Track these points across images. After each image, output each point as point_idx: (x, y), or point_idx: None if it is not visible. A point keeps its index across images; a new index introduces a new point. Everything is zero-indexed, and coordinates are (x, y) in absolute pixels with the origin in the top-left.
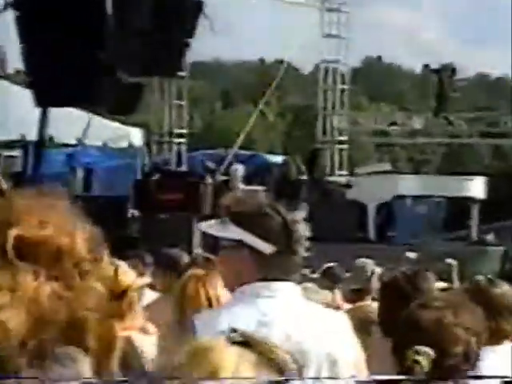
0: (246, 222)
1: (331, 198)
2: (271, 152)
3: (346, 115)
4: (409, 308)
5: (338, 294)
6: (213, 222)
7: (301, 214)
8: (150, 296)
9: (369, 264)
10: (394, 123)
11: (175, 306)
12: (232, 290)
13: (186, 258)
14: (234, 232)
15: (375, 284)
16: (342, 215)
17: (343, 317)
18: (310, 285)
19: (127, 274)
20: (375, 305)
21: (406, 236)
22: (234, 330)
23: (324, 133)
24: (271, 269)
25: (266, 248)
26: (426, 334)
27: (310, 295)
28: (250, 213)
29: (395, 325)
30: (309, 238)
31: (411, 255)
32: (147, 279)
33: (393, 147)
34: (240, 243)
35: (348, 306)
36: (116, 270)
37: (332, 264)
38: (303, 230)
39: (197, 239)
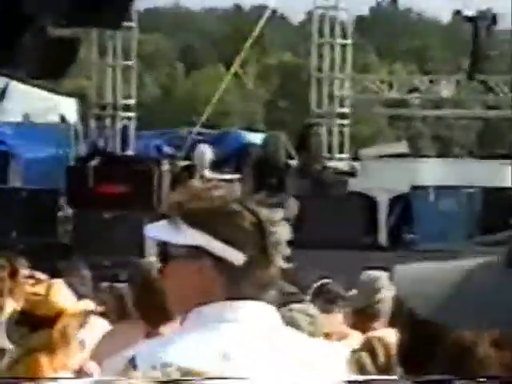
0: (204, 223)
1: (329, 189)
2: (249, 128)
3: (349, 79)
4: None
5: (337, 317)
6: (161, 222)
7: (279, 212)
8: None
9: (379, 278)
10: (413, 90)
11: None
12: (184, 311)
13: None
14: (188, 236)
15: (387, 305)
16: (344, 213)
17: (337, 350)
18: (297, 306)
19: (62, 295)
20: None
21: (428, 240)
22: (169, 365)
23: (319, 103)
24: (238, 284)
25: (236, 257)
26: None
27: (299, 319)
28: (210, 211)
29: (422, 364)
30: (295, 244)
31: None
32: (91, 304)
33: (412, 122)
34: (198, 251)
35: (359, 334)
36: (48, 288)
37: (327, 280)
38: (283, 233)
39: (151, 245)
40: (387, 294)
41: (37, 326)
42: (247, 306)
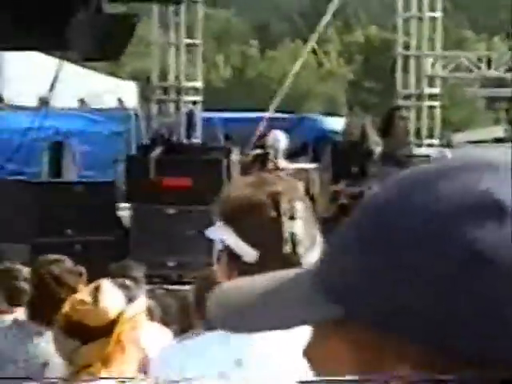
0: (228, 217)
1: None
2: (329, 113)
3: (440, 57)
4: None
5: None
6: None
7: (299, 204)
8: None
9: None
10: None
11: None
12: None
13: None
14: (217, 231)
15: None
16: None
17: None
18: None
19: (112, 300)
20: None
21: None
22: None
23: (406, 83)
24: None
25: (247, 253)
26: None
27: None
28: (235, 204)
29: None
30: None
31: None
32: (143, 301)
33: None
34: (225, 248)
35: None
36: (95, 294)
37: None
38: (297, 227)
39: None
40: None
41: (89, 337)
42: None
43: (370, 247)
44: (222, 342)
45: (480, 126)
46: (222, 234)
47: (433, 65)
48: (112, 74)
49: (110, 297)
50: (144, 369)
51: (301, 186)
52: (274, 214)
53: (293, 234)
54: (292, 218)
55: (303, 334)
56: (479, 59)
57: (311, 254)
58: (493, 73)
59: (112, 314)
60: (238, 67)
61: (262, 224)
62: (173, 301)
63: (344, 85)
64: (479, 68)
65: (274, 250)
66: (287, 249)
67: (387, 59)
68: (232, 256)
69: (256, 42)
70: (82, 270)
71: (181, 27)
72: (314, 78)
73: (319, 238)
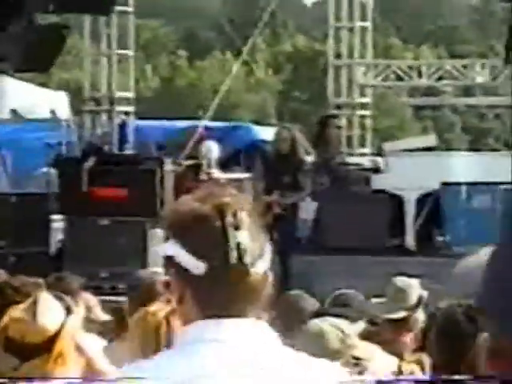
0: (176, 230)
1: (350, 187)
2: (260, 122)
3: (371, 65)
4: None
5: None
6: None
7: (244, 214)
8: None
9: (411, 286)
10: (443, 76)
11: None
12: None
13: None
14: (166, 246)
15: (419, 318)
16: (367, 213)
17: (336, 373)
18: (331, 319)
19: (50, 315)
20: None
21: (460, 242)
22: None
23: (338, 92)
24: (211, 298)
25: (196, 266)
26: None
27: (329, 333)
28: (182, 217)
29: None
30: (314, 249)
31: None
32: (81, 312)
33: (441, 111)
34: (170, 261)
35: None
36: (33, 310)
37: (345, 291)
38: (243, 237)
39: (153, 255)
40: (418, 304)
41: (28, 355)
42: (231, 324)
43: None
44: (187, 358)
45: (408, 135)
46: (169, 249)
47: (364, 74)
48: (43, 84)
49: (49, 311)
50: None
51: (248, 197)
52: (218, 224)
53: (239, 244)
54: (237, 228)
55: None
56: (410, 68)
57: (260, 264)
58: (423, 82)
59: (51, 330)
60: (167, 77)
61: (207, 236)
62: (106, 312)
63: (273, 94)
64: (410, 77)
65: (221, 261)
66: (233, 259)
67: (315, 69)
68: (180, 269)
69: (184, 52)
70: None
71: (112, 38)
72: (243, 87)
73: (268, 247)
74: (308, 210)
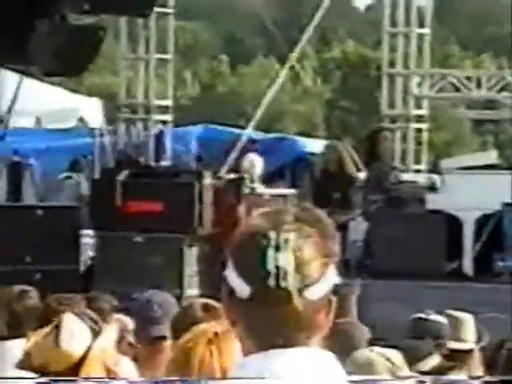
0: (231, 249)
1: (404, 207)
2: (307, 134)
3: (428, 75)
4: None
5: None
6: None
7: (290, 234)
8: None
9: (467, 319)
10: (505, 87)
11: None
12: None
13: (174, 306)
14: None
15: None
16: (422, 235)
17: None
18: (379, 349)
19: (75, 339)
20: None
21: None
22: None
23: (392, 104)
24: (260, 325)
25: (241, 288)
26: None
27: (377, 363)
28: (236, 234)
29: None
30: (364, 272)
31: None
32: (112, 334)
33: (502, 126)
34: (224, 282)
35: None
36: (57, 334)
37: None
38: (284, 259)
39: (189, 274)
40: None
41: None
42: (291, 356)
43: None
44: None
45: (466, 151)
46: (226, 269)
47: (419, 84)
48: (72, 89)
49: (73, 335)
50: None
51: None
52: (262, 245)
53: (278, 268)
54: (278, 249)
55: None
56: (468, 78)
57: (313, 289)
58: (482, 94)
59: (76, 355)
60: (207, 83)
61: (252, 256)
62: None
63: (321, 104)
64: (468, 88)
65: (262, 284)
66: (270, 283)
67: (367, 77)
68: (229, 291)
69: (226, 57)
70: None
71: (150, 41)
72: (288, 96)
73: (331, 271)
74: (358, 230)
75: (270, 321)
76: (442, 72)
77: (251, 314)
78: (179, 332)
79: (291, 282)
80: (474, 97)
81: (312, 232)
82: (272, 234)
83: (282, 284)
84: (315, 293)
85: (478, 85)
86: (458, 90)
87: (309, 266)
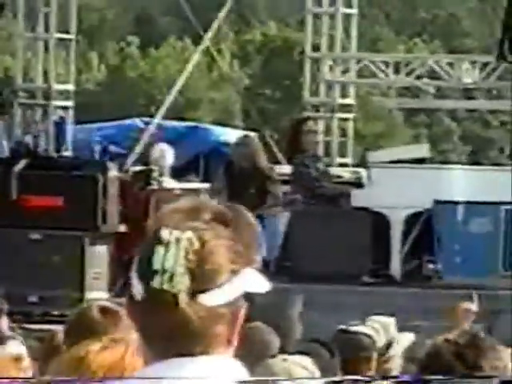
0: (138, 249)
1: (327, 204)
2: (223, 123)
3: (354, 59)
4: None
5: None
6: None
7: (186, 233)
8: None
9: (388, 325)
10: (436, 75)
11: None
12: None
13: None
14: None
15: (396, 360)
16: (346, 234)
17: None
18: (291, 357)
19: None
20: None
21: (454, 271)
22: None
23: (316, 91)
24: (154, 331)
25: (137, 289)
26: None
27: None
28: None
29: None
30: (282, 276)
31: (468, 306)
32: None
33: (434, 116)
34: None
35: None
36: None
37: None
38: (168, 259)
39: (92, 275)
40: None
41: None
42: (193, 365)
43: None
44: None
45: (398, 144)
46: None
47: (345, 70)
48: None
49: None
50: None
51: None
52: (154, 243)
53: (164, 268)
54: (168, 248)
55: None
56: (385, 63)
57: (209, 296)
58: (410, 80)
59: None
60: (115, 67)
61: (147, 255)
62: (35, 342)
63: (239, 91)
64: (398, 73)
65: (149, 286)
66: (155, 284)
67: (290, 62)
68: (130, 293)
69: (136, 38)
70: None
71: (51, 19)
72: (204, 82)
73: (241, 278)
74: (276, 229)
75: (161, 326)
76: (371, 57)
77: (144, 317)
78: (75, 337)
79: (178, 285)
80: (389, 83)
81: (228, 234)
82: (163, 232)
83: (166, 286)
84: (215, 299)
85: (396, 70)
86: (386, 75)
87: (210, 270)
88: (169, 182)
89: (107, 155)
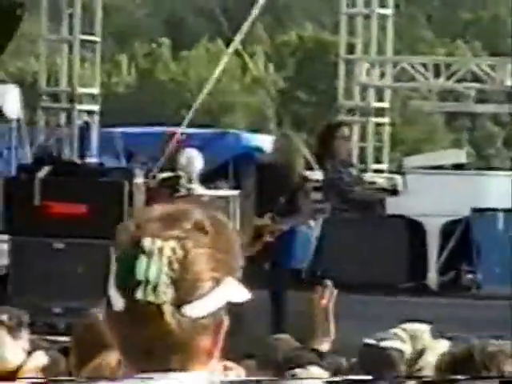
0: (115, 256)
1: (361, 212)
2: (254, 130)
3: (391, 63)
4: None
5: None
6: None
7: (163, 242)
8: None
9: (421, 333)
10: (478, 78)
11: None
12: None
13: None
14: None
15: (429, 368)
16: (380, 243)
17: None
18: (299, 371)
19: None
20: None
21: (494, 281)
22: None
23: (350, 94)
24: (133, 344)
25: (116, 300)
26: None
27: None
28: (118, 235)
29: None
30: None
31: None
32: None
33: (477, 120)
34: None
35: None
36: None
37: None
38: (153, 271)
39: None
40: (429, 355)
41: None
42: (162, 381)
43: None
44: None
45: (437, 148)
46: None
47: (382, 73)
48: None
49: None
50: None
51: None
52: (136, 253)
53: (148, 279)
54: (150, 258)
55: None
56: (437, 65)
57: (192, 307)
58: (455, 83)
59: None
60: (145, 70)
61: (127, 264)
62: (60, 356)
63: (273, 95)
64: (438, 76)
65: (132, 298)
66: (138, 296)
67: (325, 64)
68: (107, 302)
69: (167, 40)
70: None
71: (75, 20)
72: (237, 85)
73: (224, 288)
74: (308, 237)
75: (142, 338)
76: (408, 59)
77: (125, 329)
78: (84, 351)
79: (163, 297)
80: (430, 86)
81: (208, 243)
82: (146, 242)
83: (151, 298)
84: (198, 310)
85: (437, 74)
86: (425, 78)
87: (192, 279)
88: (197, 189)
89: (134, 161)
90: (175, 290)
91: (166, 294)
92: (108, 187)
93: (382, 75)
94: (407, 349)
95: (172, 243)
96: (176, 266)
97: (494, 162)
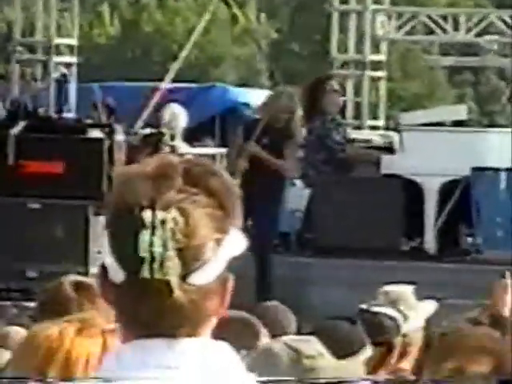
0: (109, 223)
1: (355, 171)
2: (244, 84)
3: (392, 13)
4: None
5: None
6: None
7: (165, 212)
8: None
9: (401, 294)
10: (485, 30)
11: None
12: None
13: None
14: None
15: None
16: (374, 204)
17: None
18: (289, 338)
19: None
20: None
21: (494, 244)
22: None
23: (343, 47)
24: (138, 315)
25: (115, 272)
26: None
27: (280, 354)
28: (109, 199)
29: None
30: (306, 249)
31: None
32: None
33: (484, 76)
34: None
35: None
36: None
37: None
38: (158, 243)
39: (96, 248)
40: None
41: None
42: (178, 346)
43: None
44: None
45: (435, 105)
46: (103, 244)
47: (382, 24)
48: None
49: None
50: None
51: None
52: (135, 223)
53: (153, 254)
54: (154, 231)
55: None
56: (443, 18)
57: (198, 275)
58: (460, 37)
59: None
60: (128, 20)
61: (125, 235)
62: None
63: (264, 47)
64: (444, 30)
65: (135, 270)
66: (144, 273)
67: (320, 15)
68: (103, 271)
69: None
70: None
71: None
72: (226, 37)
73: (226, 246)
74: (298, 198)
75: (147, 312)
76: (410, 10)
77: (126, 301)
78: (47, 317)
79: (170, 271)
80: (448, 41)
81: (203, 200)
82: (146, 214)
83: (158, 275)
84: (205, 277)
85: (455, 27)
86: (430, 32)
87: (197, 246)
88: (181, 147)
89: (114, 117)
90: (180, 260)
91: (173, 268)
92: (86, 144)
93: (382, 26)
94: (396, 315)
95: (173, 213)
96: (179, 236)
97: (498, 118)
